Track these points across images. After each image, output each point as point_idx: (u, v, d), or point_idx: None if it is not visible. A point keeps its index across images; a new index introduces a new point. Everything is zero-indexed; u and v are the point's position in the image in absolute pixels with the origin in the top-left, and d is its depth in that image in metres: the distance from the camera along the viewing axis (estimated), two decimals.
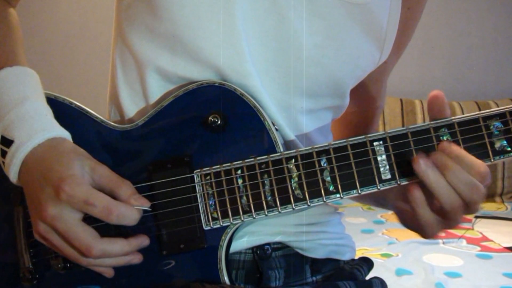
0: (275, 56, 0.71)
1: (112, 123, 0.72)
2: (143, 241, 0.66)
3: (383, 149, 0.63)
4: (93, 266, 0.64)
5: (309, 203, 0.64)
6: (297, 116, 0.74)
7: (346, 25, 0.72)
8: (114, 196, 0.63)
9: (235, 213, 0.66)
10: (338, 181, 0.64)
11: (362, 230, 1.91)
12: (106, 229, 0.64)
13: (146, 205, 0.64)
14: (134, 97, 0.75)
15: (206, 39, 0.68)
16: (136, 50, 0.73)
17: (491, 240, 1.96)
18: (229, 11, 0.68)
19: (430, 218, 0.63)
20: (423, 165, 0.61)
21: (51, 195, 0.60)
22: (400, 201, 0.71)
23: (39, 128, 0.64)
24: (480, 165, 0.60)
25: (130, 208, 0.62)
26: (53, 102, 0.71)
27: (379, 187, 0.64)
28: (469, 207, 0.62)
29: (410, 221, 0.67)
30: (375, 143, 0.64)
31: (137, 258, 0.66)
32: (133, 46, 0.73)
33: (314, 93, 0.74)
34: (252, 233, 0.73)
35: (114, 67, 0.78)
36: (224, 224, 0.66)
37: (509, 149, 0.62)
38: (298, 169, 0.65)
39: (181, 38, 0.69)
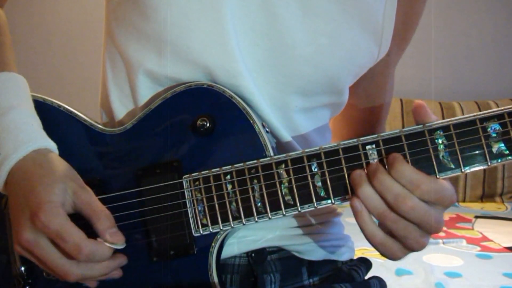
0: (267, 55, 0.69)
1: (101, 126, 0.71)
2: (122, 261, 0.65)
3: (375, 153, 0.62)
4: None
5: (299, 209, 0.63)
6: (292, 116, 0.73)
7: (341, 20, 0.70)
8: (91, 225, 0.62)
9: (225, 219, 0.65)
10: (330, 187, 0.63)
11: None
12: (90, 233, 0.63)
13: (120, 242, 0.62)
14: (123, 99, 0.74)
15: (195, 38, 0.67)
16: (124, 51, 0.72)
17: (491, 240, 1.95)
18: (218, 9, 0.66)
19: (376, 231, 0.61)
20: (355, 173, 0.60)
21: (28, 219, 0.60)
22: None
23: (24, 139, 0.63)
24: (413, 174, 0.59)
25: (102, 247, 0.61)
26: (41, 105, 0.70)
27: None
28: (411, 221, 0.59)
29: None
30: (367, 147, 0.62)
31: (116, 274, 0.65)
32: (121, 47, 0.72)
33: (309, 92, 0.72)
34: (245, 237, 0.72)
35: (104, 69, 0.77)
36: (214, 231, 0.65)
37: (507, 152, 0.60)
38: (288, 174, 0.63)
39: (169, 38, 0.67)
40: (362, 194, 0.59)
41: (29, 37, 2.86)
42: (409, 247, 0.61)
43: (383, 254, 0.63)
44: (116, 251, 0.63)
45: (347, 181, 0.62)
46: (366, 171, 0.61)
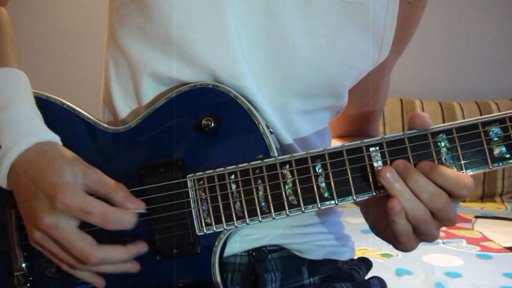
0: (269, 57, 0.69)
1: (105, 125, 0.71)
2: (142, 248, 0.65)
3: (379, 155, 0.62)
4: (88, 276, 0.64)
5: (303, 210, 0.63)
6: (292, 117, 0.73)
7: (343, 24, 0.70)
8: (108, 200, 0.62)
9: (229, 218, 0.65)
10: (333, 188, 0.63)
11: (362, 230, 1.90)
12: (100, 234, 0.63)
13: (141, 207, 0.64)
14: (127, 98, 0.75)
15: (198, 40, 0.67)
16: (128, 52, 0.72)
17: (491, 240, 1.96)
18: (221, 11, 0.66)
19: (406, 228, 0.62)
20: (388, 175, 0.60)
21: (45, 203, 0.60)
22: (375, 209, 0.71)
23: (25, 132, 0.63)
24: (458, 175, 0.60)
25: (127, 212, 0.62)
26: (44, 102, 0.70)
27: (375, 194, 0.63)
28: (438, 216, 0.61)
29: (384, 231, 0.67)
30: (371, 149, 0.63)
31: (134, 268, 0.65)
32: (125, 48, 0.72)
33: (309, 94, 0.73)
34: (247, 236, 0.72)
35: (107, 69, 0.77)
36: (218, 230, 0.65)
37: (508, 156, 0.61)
38: (292, 175, 0.64)
39: (173, 39, 0.67)
40: (398, 192, 0.60)
41: (29, 37, 2.86)
42: (425, 240, 0.64)
43: (402, 248, 0.65)
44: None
45: (351, 183, 0.63)
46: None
